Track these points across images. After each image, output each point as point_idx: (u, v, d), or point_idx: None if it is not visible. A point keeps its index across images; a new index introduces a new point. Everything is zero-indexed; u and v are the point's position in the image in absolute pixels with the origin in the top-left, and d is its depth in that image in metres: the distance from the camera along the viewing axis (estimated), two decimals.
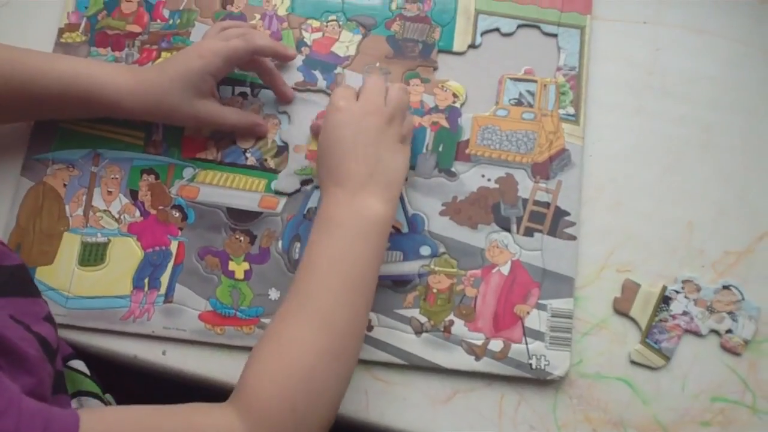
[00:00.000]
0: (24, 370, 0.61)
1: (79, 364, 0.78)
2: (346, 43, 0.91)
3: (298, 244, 0.83)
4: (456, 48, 0.90)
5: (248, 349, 0.79)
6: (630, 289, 0.82)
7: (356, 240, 0.73)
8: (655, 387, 0.80)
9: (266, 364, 0.68)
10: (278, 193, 0.86)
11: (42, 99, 0.81)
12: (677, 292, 0.82)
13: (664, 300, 0.82)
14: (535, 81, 0.88)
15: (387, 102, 0.79)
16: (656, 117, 0.88)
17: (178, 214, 0.85)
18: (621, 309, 0.82)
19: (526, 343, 0.81)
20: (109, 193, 0.86)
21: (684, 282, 0.82)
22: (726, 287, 0.82)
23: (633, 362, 0.81)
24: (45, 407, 0.57)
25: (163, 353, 0.82)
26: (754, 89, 0.89)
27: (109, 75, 0.82)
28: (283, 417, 0.66)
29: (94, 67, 0.83)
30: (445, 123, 0.87)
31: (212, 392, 0.79)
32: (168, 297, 0.83)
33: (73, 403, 0.73)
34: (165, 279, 0.84)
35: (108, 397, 0.79)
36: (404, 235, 0.84)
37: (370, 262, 0.74)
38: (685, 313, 0.81)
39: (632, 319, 0.82)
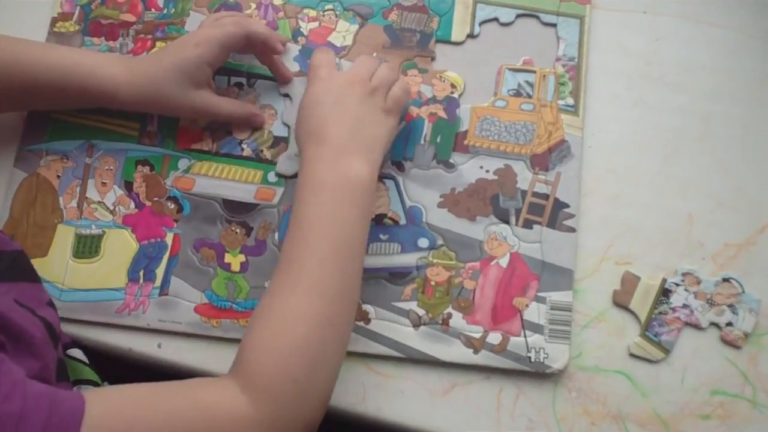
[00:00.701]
0: (30, 353, 0.61)
1: (77, 353, 0.77)
2: (343, 33, 0.90)
3: None
4: (454, 38, 0.89)
5: None
6: (630, 282, 0.82)
7: (342, 202, 0.73)
8: (655, 380, 0.80)
9: (263, 337, 0.68)
10: (279, 176, 0.85)
11: (36, 89, 0.80)
12: (677, 284, 0.81)
13: (664, 293, 0.81)
14: (534, 71, 0.87)
15: (374, 77, 0.79)
16: (655, 108, 0.87)
17: (173, 206, 0.85)
18: (620, 302, 0.81)
19: (525, 336, 0.80)
20: (104, 184, 0.85)
21: (684, 274, 0.81)
22: (726, 280, 0.81)
23: (632, 355, 0.80)
24: (50, 389, 0.57)
25: (159, 346, 0.81)
26: (753, 80, 0.88)
27: (103, 65, 0.81)
28: (285, 388, 0.66)
29: (88, 57, 0.82)
30: (443, 114, 0.86)
31: None
32: (163, 289, 0.82)
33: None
34: (160, 271, 0.83)
35: (106, 385, 0.79)
36: (402, 227, 0.83)
37: (358, 223, 0.73)
38: (685, 306, 0.81)
39: (632, 312, 0.81)
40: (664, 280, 0.81)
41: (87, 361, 0.77)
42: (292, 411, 0.66)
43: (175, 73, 0.80)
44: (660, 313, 0.81)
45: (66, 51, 0.85)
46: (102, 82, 0.80)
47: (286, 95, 0.87)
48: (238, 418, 0.64)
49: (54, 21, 0.91)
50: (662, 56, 0.88)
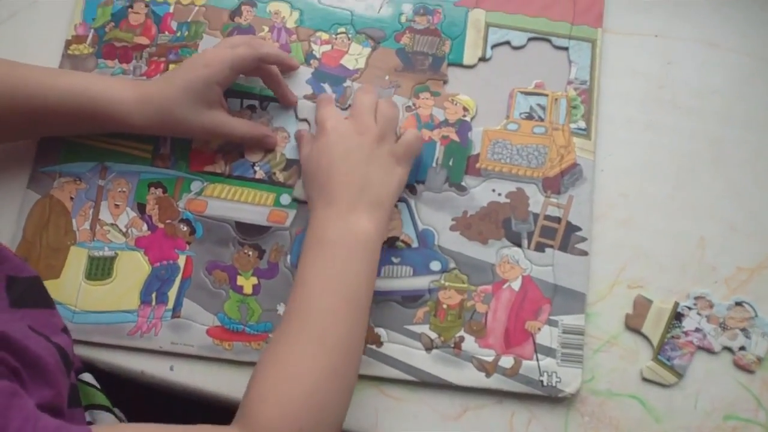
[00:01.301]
0: (44, 381, 0.61)
1: (88, 377, 0.77)
2: (356, 56, 0.90)
3: None
4: (466, 61, 0.89)
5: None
6: (642, 305, 0.81)
7: (349, 258, 0.74)
8: (668, 404, 0.79)
9: (269, 387, 0.68)
10: (296, 200, 0.85)
11: (47, 116, 0.81)
12: (689, 308, 0.81)
13: (677, 316, 0.81)
14: (546, 95, 0.88)
15: (377, 120, 0.80)
16: (667, 131, 0.87)
17: (186, 228, 0.85)
18: (633, 325, 0.81)
19: (537, 360, 0.80)
20: (117, 206, 0.86)
21: (696, 298, 0.81)
22: (739, 304, 0.81)
23: (645, 379, 0.80)
24: (61, 425, 0.57)
25: (171, 369, 0.81)
26: (765, 104, 0.88)
27: (114, 90, 0.81)
28: None
29: (99, 82, 0.82)
30: (455, 137, 0.86)
31: (219, 408, 0.79)
32: (176, 312, 0.82)
33: (86, 416, 0.73)
34: (173, 294, 0.83)
35: (116, 411, 0.79)
36: (414, 249, 0.83)
37: (364, 279, 0.74)
38: (697, 330, 0.81)
39: (644, 336, 0.81)
40: (677, 304, 0.81)
41: (98, 386, 0.77)
42: None
43: (185, 93, 0.80)
44: (672, 337, 0.81)
45: (75, 76, 0.85)
46: (114, 108, 0.80)
47: (305, 120, 0.87)
48: None
49: (68, 44, 0.91)
50: (674, 80, 0.88)
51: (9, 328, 0.61)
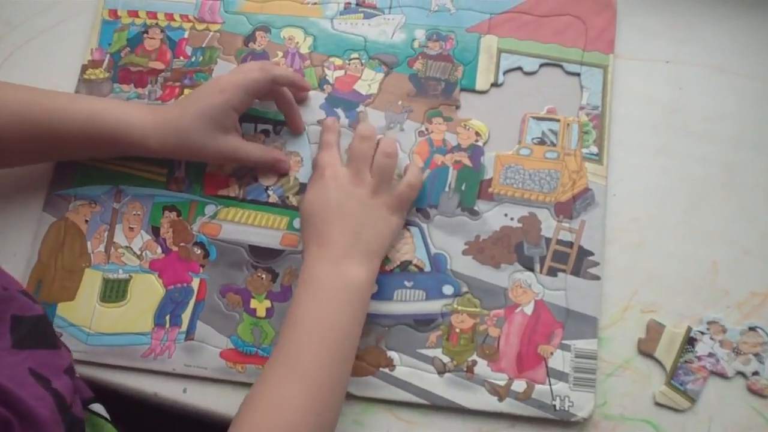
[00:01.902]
0: (35, 430, 0.61)
1: (99, 408, 0.77)
2: (369, 81, 0.91)
3: None
4: (479, 86, 0.90)
5: None
6: (655, 330, 0.81)
7: (339, 302, 0.75)
8: (681, 429, 0.79)
9: (252, 422, 0.70)
10: None
11: (66, 140, 0.82)
12: (702, 333, 0.81)
13: (689, 341, 0.81)
14: (558, 120, 0.88)
15: (373, 172, 0.81)
16: (679, 156, 0.87)
17: (199, 251, 0.85)
18: (646, 350, 0.81)
19: (550, 384, 0.80)
20: (131, 229, 0.86)
21: (709, 323, 0.81)
22: (752, 329, 0.81)
23: (658, 404, 0.80)
24: None
25: (184, 391, 0.82)
26: None
27: (132, 115, 0.82)
28: None
29: (117, 107, 0.83)
30: (467, 162, 0.87)
31: None
32: (189, 334, 0.83)
33: None
34: (186, 316, 0.83)
35: None
36: (427, 273, 0.83)
37: (351, 324, 0.76)
38: (710, 355, 0.80)
39: (657, 360, 0.81)
40: (690, 329, 0.81)
41: (108, 417, 0.77)
42: None
43: (201, 119, 0.81)
44: (685, 361, 0.81)
45: (93, 101, 0.86)
46: (131, 131, 0.81)
47: (317, 143, 0.88)
48: None
49: (84, 68, 0.92)
50: (686, 105, 0.89)
51: (5, 376, 0.61)
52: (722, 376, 0.80)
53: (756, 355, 0.80)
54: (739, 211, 0.85)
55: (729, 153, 0.87)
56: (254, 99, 0.85)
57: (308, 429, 0.70)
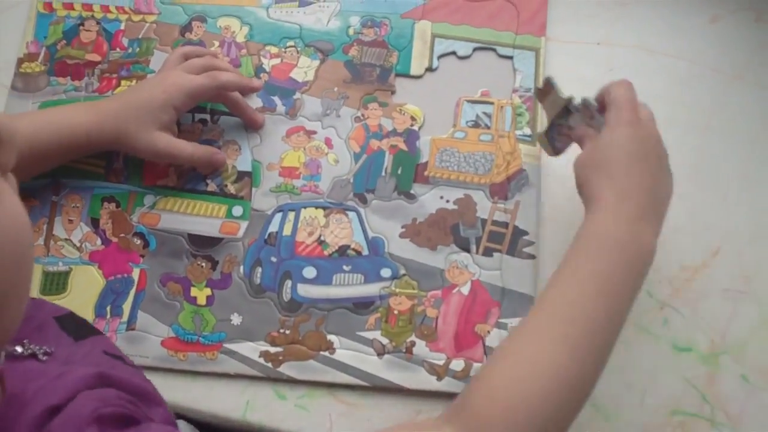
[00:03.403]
0: (154, 402, 0.62)
1: None
2: (305, 69, 0.92)
3: (259, 269, 0.84)
4: (413, 72, 0.91)
5: (211, 374, 0.80)
6: (549, 84, 0.79)
7: (626, 268, 0.67)
8: (616, 402, 0.81)
9: (500, 385, 0.64)
10: (257, 212, 0.86)
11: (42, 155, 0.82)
12: (577, 110, 0.79)
13: (566, 111, 0.79)
14: (492, 103, 0.89)
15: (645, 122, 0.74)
16: None
17: (139, 242, 0.86)
18: (538, 97, 0.81)
19: None
20: (70, 221, 0.87)
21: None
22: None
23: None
24: None
25: None
26: (706, 108, 0.90)
27: (74, 117, 0.82)
28: None
29: (60, 114, 0.84)
30: (403, 146, 0.88)
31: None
32: (130, 324, 0.83)
33: None
34: (127, 306, 0.84)
35: None
36: (365, 257, 0.85)
37: (631, 300, 0.68)
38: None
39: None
40: (570, 99, 0.79)
41: None
42: None
43: (139, 110, 0.82)
44: (559, 124, 0.80)
45: (32, 116, 0.86)
46: (77, 133, 0.82)
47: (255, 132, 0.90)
48: None
49: (20, 62, 0.92)
50: None
51: (93, 363, 0.62)
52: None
53: None
54: None
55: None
56: (197, 102, 0.86)
57: (562, 400, 0.63)
